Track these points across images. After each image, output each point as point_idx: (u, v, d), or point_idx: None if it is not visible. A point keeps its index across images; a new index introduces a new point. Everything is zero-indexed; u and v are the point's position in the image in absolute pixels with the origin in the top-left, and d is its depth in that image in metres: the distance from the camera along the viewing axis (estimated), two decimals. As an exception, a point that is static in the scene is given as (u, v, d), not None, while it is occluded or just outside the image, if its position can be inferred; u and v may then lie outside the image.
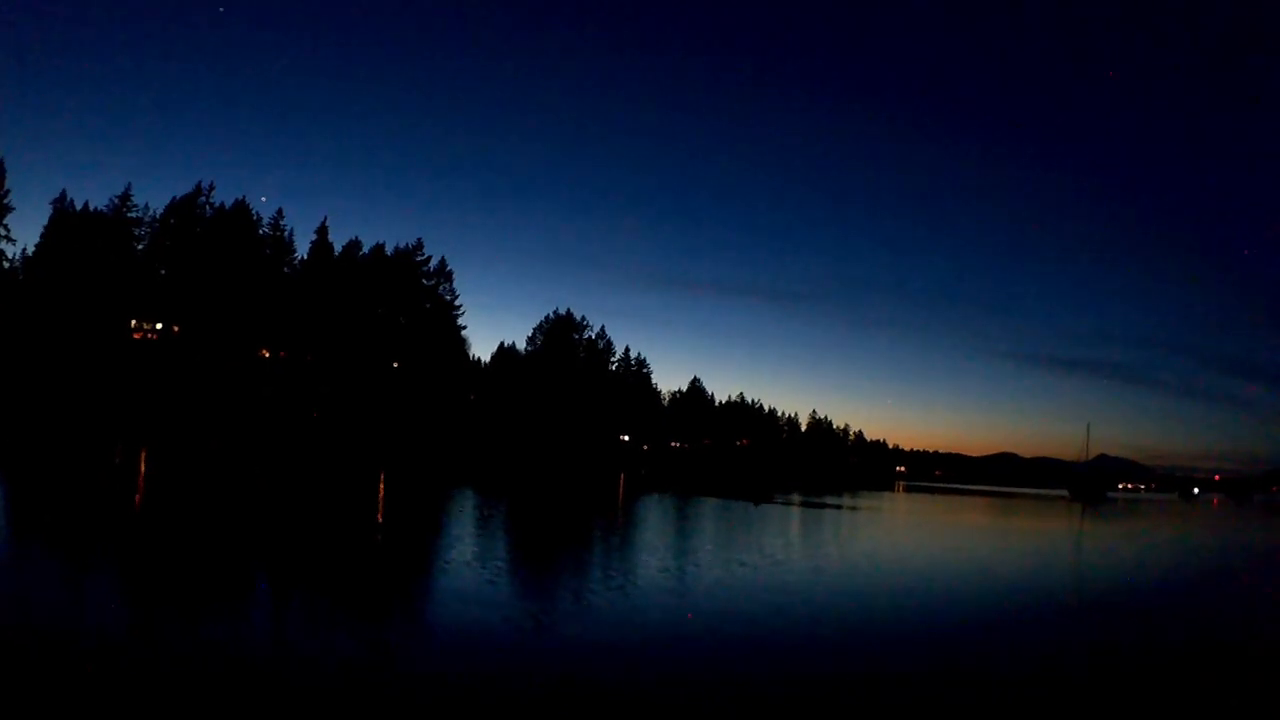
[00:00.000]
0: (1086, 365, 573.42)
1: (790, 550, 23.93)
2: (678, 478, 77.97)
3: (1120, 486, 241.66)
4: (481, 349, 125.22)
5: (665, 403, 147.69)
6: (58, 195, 78.68)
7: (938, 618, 14.62)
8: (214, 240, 77.61)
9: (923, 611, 15.14)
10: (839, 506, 51.22)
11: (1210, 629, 15.60)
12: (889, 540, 32.02)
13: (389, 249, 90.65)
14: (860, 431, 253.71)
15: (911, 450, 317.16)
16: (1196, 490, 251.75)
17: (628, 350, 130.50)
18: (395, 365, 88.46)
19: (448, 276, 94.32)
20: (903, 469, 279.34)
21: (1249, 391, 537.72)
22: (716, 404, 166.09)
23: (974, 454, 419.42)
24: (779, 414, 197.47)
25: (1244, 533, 57.10)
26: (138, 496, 22.98)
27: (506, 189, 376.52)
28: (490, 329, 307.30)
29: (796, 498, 57.41)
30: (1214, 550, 38.94)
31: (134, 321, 76.93)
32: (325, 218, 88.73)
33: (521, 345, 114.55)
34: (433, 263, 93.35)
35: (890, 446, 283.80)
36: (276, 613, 11.53)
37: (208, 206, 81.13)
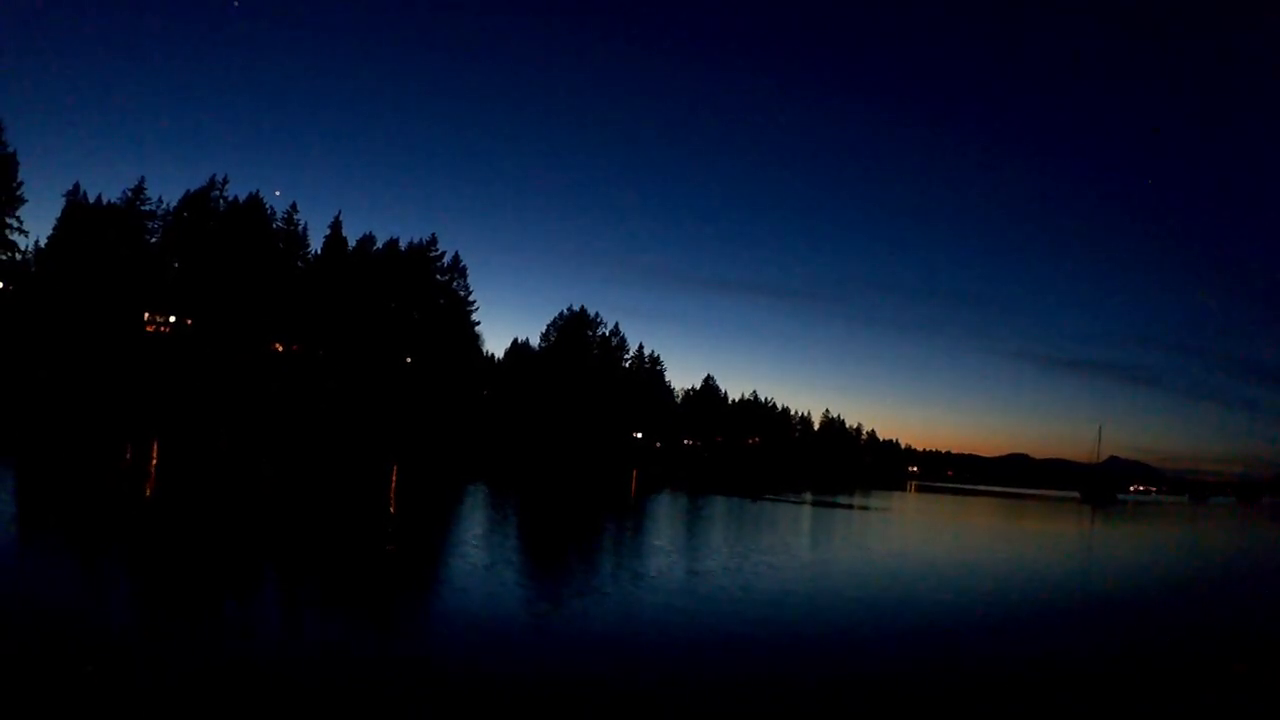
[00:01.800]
0: (1099, 367, 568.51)
1: (807, 551, 23.64)
2: (689, 475, 77.68)
3: (1131, 489, 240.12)
4: (495, 345, 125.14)
5: (678, 400, 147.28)
6: (71, 187, 78.52)
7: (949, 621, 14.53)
8: (227, 234, 77.53)
9: (933, 614, 15.01)
10: (850, 506, 50.84)
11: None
12: (901, 542, 31.73)
13: (403, 244, 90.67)
14: (873, 431, 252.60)
15: (924, 450, 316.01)
16: (1209, 494, 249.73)
17: (641, 348, 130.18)
18: (408, 360, 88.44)
19: (462, 272, 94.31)
20: (915, 469, 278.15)
21: (1260, 394, 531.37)
22: (729, 402, 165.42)
23: (986, 454, 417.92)
24: (792, 412, 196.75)
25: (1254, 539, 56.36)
26: (147, 490, 22.75)
27: (521, 186, 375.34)
28: (504, 325, 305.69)
29: (809, 496, 57.12)
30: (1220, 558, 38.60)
31: (146, 314, 76.93)
32: (339, 212, 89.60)
33: (535, 342, 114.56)
34: (446, 258, 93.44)
35: (903, 446, 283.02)
36: (286, 612, 11.23)
37: (221, 200, 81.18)
